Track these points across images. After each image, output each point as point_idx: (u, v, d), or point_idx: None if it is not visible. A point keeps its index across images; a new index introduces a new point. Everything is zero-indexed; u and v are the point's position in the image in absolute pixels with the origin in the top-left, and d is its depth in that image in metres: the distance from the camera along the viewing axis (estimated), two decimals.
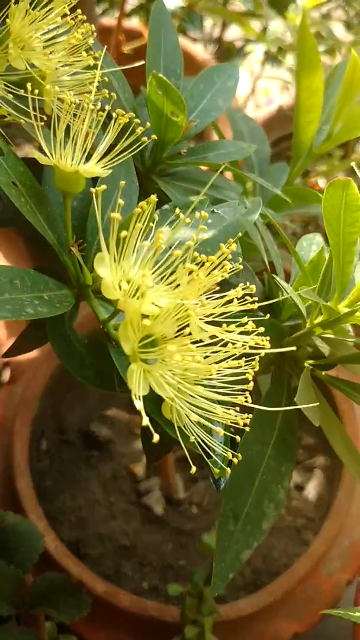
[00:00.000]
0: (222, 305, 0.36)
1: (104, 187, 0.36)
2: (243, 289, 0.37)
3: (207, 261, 0.36)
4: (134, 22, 1.28)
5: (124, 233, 0.35)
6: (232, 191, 0.53)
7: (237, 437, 0.38)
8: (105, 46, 0.42)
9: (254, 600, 0.79)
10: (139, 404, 0.32)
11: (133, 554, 0.86)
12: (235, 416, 0.36)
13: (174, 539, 0.89)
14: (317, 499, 0.95)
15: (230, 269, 0.37)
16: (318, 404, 0.36)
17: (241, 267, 0.38)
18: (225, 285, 0.38)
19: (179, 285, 0.35)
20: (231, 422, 0.36)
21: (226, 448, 0.36)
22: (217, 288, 0.38)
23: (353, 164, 0.44)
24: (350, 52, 0.53)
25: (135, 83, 1.17)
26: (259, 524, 0.41)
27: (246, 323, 0.36)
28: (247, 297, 0.37)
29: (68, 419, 0.96)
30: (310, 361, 0.46)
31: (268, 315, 0.40)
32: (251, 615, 0.78)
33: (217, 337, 0.36)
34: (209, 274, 0.36)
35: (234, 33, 1.41)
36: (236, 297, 0.37)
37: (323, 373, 0.46)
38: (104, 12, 1.20)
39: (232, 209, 0.44)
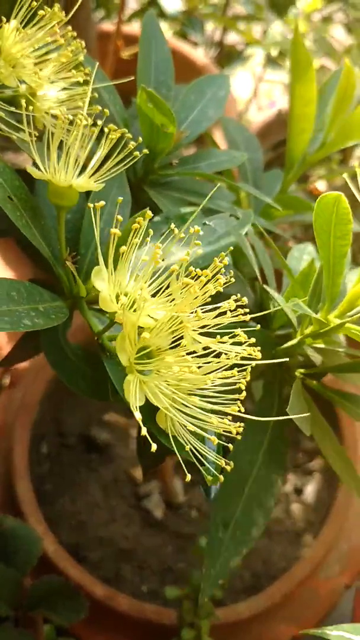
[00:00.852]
0: (216, 317, 0.37)
1: (102, 203, 0.37)
2: (235, 301, 0.38)
3: (202, 275, 0.37)
4: (134, 27, 1.29)
5: (122, 248, 0.36)
6: (224, 200, 0.53)
7: (230, 446, 0.39)
8: (97, 62, 0.43)
9: (252, 603, 0.80)
10: (138, 415, 0.33)
11: (132, 558, 0.87)
12: (229, 425, 0.37)
13: (174, 542, 0.90)
14: (317, 502, 0.95)
15: (223, 282, 0.38)
16: (309, 414, 0.37)
17: (233, 280, 0.38)
18: (218, 296, 0.38)
19: (174, 298, 0.35)
20: (224, 431, 0.37)
21: (219, 456, 0.37)
22: (210, 299, 0.38)
23: (345, 175, 0.45)
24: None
25: (133, 88, 1.17)
26: (249, 532, 0.41)
27: (238, 334, 0.37)
28: (239, 309, 0.38)
29: (68, 423, 0.97)
30: (302, 370, 0.47)
31: (259, 325, 0.40)
32: (250, 619, 0.78)
33: (210, 348, 0.37)
34: (203, 287, 0.37)
35: (235, 36, 1.41)
36: (229, 309, 0.38)
37: (314, 382, 0.46)
38: (103, 17, 1.20)
39: (224, 221, 0.44)
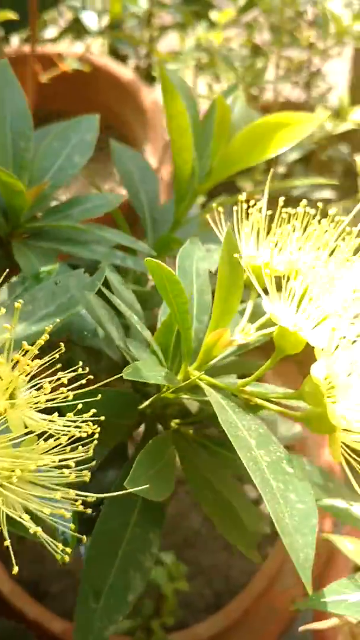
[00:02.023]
0: (50, 393, 0.36)
1: None
2: (72, 371, 0.37)
3: (29, 350, 0.36)
4: (62, 46, 1.28)
5: None
6: (101, 245, 0.52)
7: (89, 510, 0.38)
8: None
9: (211, 623, 0.80)
10: None
11: None
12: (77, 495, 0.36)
13: None
14: None
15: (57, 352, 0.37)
16: (147, 486, 0.36)
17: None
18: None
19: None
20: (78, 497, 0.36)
21: (66, 530, 0.36)
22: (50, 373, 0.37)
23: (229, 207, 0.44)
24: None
25: (59, 107, 1.16)
26: (124, 597, 0.40)
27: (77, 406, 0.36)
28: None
29: None
30: (177, 420, 0.46)
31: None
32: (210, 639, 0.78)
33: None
34: (34, 360, 0.36)
35: (169, 44, 1.39)
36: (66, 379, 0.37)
37: (190, 431, 0.46)
38: (26, 39, 1.19)
39: (76, 278, 0.43)
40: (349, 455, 0.37)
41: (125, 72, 1.16)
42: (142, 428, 0.47)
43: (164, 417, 0.47)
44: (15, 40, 1.29)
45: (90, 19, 1.15)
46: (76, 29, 1.24)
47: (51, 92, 1.14)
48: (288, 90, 1.14)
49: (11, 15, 0.98)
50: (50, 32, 1.35)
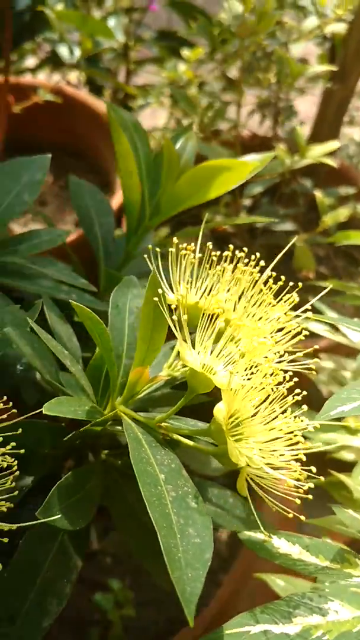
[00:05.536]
0: None
1: None
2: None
3: None
4: (40, 77, 1.31)
5: None
6: (47, 279, 0.55)
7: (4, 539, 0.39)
8: None
9: None
10: None
11: None
12: None
13: (90, 593, 0.90)
14: (230, 538, 0.96)
15: None
16: (59, 516, 0.37)
17: None
18: None
19: None
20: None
21: None
22: None
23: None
24: None
25: (34, 135, 1.18)
26: (39, 623, 0.41)
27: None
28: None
29: None
30: (106, 451, 0.48)
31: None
32: None
33: None
34: None
35: (145, 74, 1.43)
36: None
37: (119, 461, 0.48)
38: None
39: (12, 314, 0.45)
40: (257, 485, 0.39)
41: (100, 104, 1.19)
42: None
43: (95, 447, 0.48)
44: None
45: (65, 52, 1.18)
46: (53, 61, 1.27)
47: (26, 120, 1.17)
48: (256, 125, 1.18)
49: None
50: (29, 61, 1.39)
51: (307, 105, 1.40)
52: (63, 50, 1.18)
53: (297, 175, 1.07)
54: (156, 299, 0.40)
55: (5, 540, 0.38)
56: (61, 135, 1.20)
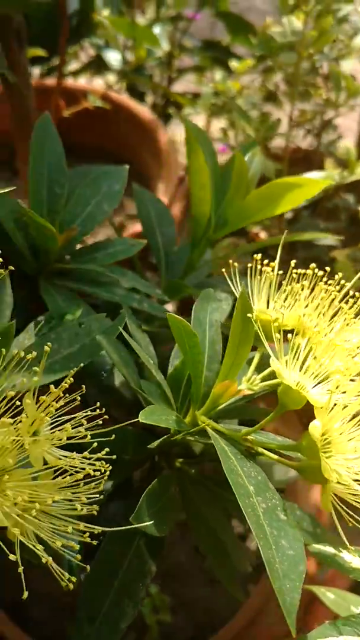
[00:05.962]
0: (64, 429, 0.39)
1: None
2: (92, 411, 0.40)
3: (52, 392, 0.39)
4: (81, 81, 1.33)
5: None
6: (120, 287, 0.56)
7: (94, 542, 0.40)
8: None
9: None
10: None
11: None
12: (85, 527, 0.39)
13: None
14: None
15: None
16: (151, 522, 0.39)
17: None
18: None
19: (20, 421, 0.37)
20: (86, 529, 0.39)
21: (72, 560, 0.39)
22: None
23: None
24: None
25: (80, 140, 1.20)
26: (117, 625, 0.43)
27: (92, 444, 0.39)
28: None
29: None
30: (180, 460, 0.49)
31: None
32: None
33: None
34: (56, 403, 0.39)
35: (185, 82, 1.45)
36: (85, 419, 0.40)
37: (192, 470, 0.49)
38: (46, 73, 1.24)
39: (99, 322, 0.47)
40: (338, 504, 0.40)
41: (145, 111, 1.21)
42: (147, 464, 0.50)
43: (169, 456, 0.50)
44: (35, 71, 1.34)
45: (113, 58, 1.20)
46: (97, 65, 1.29)
47: (73, 124, 1.18)
48: (300, 137, 1.19)
49: (41, 52, 1.02)
50: (72, 66, 1.40)
51: (346, 121, 1.41)
52: (110, 56, 1.19)
53: (341, 190, 1.08)
54: (248, 315, 0.42)
55: (95, 542, 0.39)
56: (105, 140, 1.22)
